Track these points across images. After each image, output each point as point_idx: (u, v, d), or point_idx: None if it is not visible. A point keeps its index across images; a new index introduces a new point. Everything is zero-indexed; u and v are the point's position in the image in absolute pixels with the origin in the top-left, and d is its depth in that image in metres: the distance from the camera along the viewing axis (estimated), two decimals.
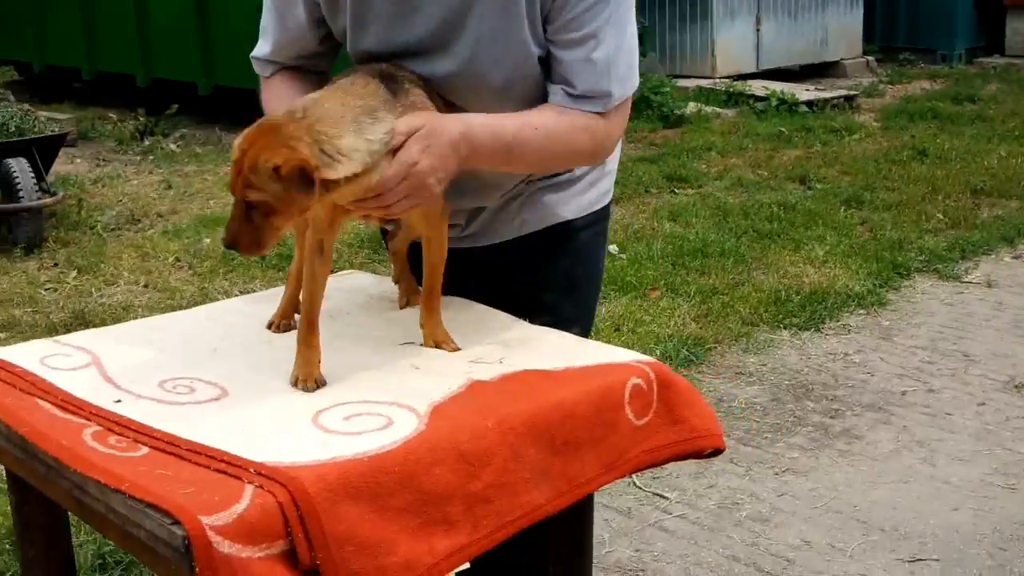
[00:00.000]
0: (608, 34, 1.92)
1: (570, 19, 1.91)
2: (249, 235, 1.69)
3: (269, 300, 2.24)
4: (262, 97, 2.13)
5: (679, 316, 4.79)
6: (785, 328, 4.76)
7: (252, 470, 1.55)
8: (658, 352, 4.37)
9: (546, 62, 1.96)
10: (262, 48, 2.13)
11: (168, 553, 1.46)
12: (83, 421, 1.74)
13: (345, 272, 2.51)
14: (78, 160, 8.27)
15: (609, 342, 4.25)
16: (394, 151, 1.76)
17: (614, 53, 1.94)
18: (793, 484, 3.48)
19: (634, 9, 2.01)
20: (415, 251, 2.11)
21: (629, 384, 1.90)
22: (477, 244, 2.19)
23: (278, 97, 2.07)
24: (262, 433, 1.69)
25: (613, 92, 1.96)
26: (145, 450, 1.65)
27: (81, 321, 4.69)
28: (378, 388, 1.84)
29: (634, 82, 2.01)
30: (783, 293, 5.07)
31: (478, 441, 1.70)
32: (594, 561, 3.01)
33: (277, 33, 2.10)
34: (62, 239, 6.10)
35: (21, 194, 5.81)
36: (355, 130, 1.73)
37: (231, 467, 1.57)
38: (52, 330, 4.42)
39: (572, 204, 2.17)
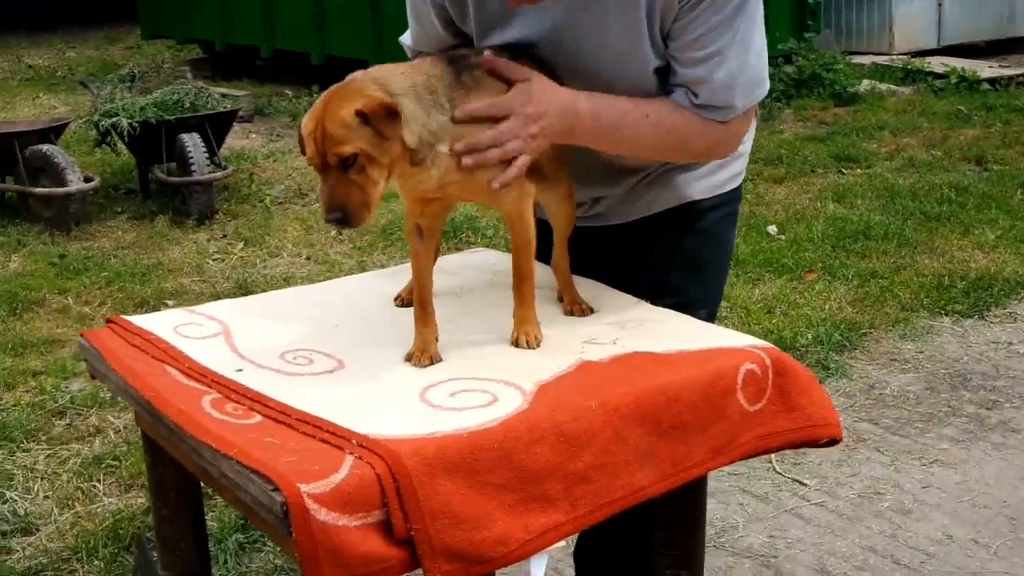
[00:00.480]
0: (733, 52, 1.88)
1: (692, 39, 1.87)
2: (354, 197, 1.68)
3: (396, 276, 2.28)
4: None
5: (835, 299, 4.67)
6: (946, 315, 4.59)
7: (354, 441, 1.59)
8: (810, 336, 4.28)
9: (665, 71, 1.94)
10: (407, 37, 2.19)
11: (270, 518, 1.52)
12: (204, 388, 1.82)
13: (473, 249, 2.54)
14: (253, 135, 8.57)
15: (760, 324, 4.22)
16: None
17: (738, 70, 1.90)
18: (940, 476, 3.36)
19: (761, 19, 1.96)
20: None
21: (742, 370, 1.88)
22: (605, 223, 2.19)
23: None
24: (370, 406, 1.73)
25: (736, 105, 1.93)
26: (258, 418, 1.72)
27: (244, 291, 4.87)
28: (490, 365, 1.86)
29: (761, 91, 1.97)
30: (947, 278, 4.88)
31: (580, 421, 1.70)
32: (725, 545, 3.00)
33: (415, 30, 2.17)
34: (232, 211, 6.33)
35: (193, 168, 6.06)
36: (415, 96, 1.75)
37: (335, 437, 1.61)
38: (215, 299, 4.61)
39: (701, 184, 2.15)
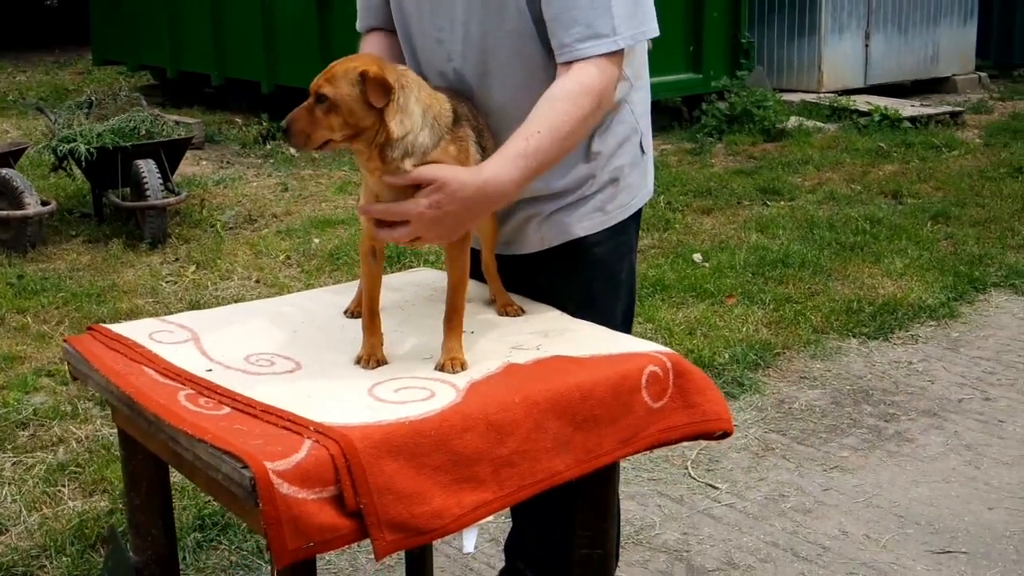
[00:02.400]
0: None
1: None
2: (304, 125, 1.96)
3: (345, 292, 2.58)
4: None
5: (752, 322, 5.01)
6: (854, 336, 4.95)
7: (312, 428, 1.87)
8: (727, 355, 4.61)
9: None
10: (359, 22, 2.54)
11: (240, 492, 1.79)
12: (179, 385, 2.09)
13: (415, 269, 2.85)
14: (204, 162, 8.80)
15: (682, 344, 4.56)
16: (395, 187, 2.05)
17: None
18: (839, 480, 3.70)
19: None
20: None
21: (647, 371, 2.18)
22: (509, 252, 2.48)
23: (370, 49, 2.45)
24: (325, 399, 2.01)
25: (617, 27, 2.16)
26: (227, 410, 1.99)
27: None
28: (428, 367, 2.15)
29: (647, 27, 2.24)
30: (856, 303, 5.25)
31: (505, 413, 2.00)
32: (643, 542, 3.31)
33: (359, 4, 2.49)
34: (184, 236, 6.58)
35: (148, 193, 6.31)
36: (424, 111, 2.05)
37: (295, 425, 1.89)
38: None
39: (587, 222, 2.41)
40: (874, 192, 7.51)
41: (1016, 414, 4.17)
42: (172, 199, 6.50)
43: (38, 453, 3.87)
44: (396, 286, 2.68)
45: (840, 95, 10.68)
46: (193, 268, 6.04)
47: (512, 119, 2.23)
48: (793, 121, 9.59)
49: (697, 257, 5.99)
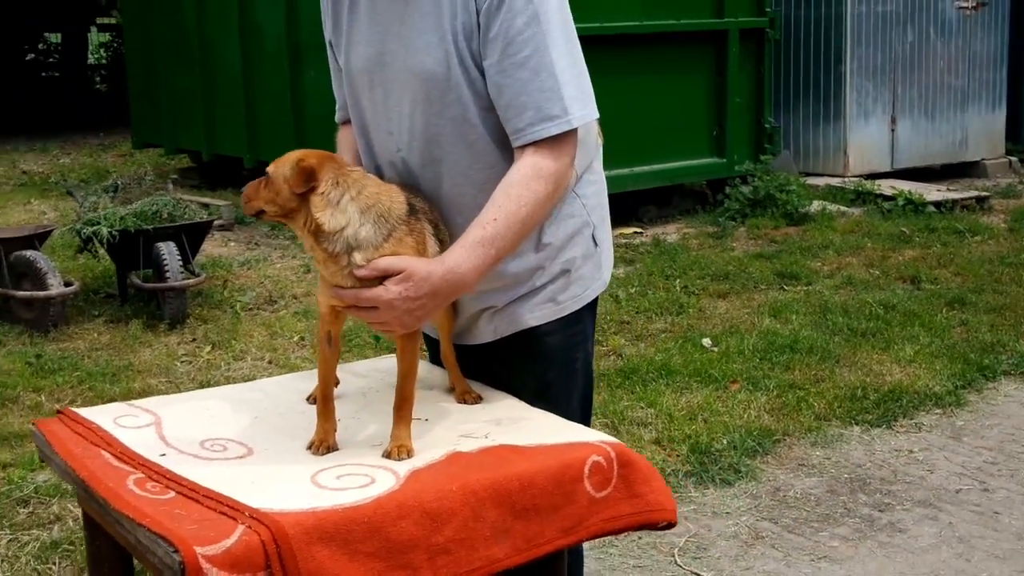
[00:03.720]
0: (548, 57, 2.22)
1: (504, 46, 2.22)
2: (250, 192, 2.19)
3: (312, 377, 2.63)
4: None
5: (754, 408, 5.01)
6: (857, 424, 4.93)
7: (247, 513, 1.93)
8: (725, 441, 4.61)
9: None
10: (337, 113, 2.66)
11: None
12: (131, 469, 2.15)
13: (381, 356, 2.91)
14: (232, 243, 8.96)
15: (680, 429, 4.57)
16: (366, 279, 2.14)
17: (560, 73, 2.23)
18: (827, 571, 3.67)
19: (566, 35, 2.29)
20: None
21: (589, 461, 2.22)
22: (463, 342, 2.53)
23: (342, 140, 2.62)
24: (267, 485, 2.06)
25: (569, 110, 2.24)
26: (172, 494, 2.05)
27: None
28: (376, 454, 2.20)
29: (589, 108, 2.32)
30: (861, 390, 5.23)
31: (442, 501, 2.04)
32: None
33: (337, 90, 2.60)
34: (203, 316, 6.69)
35: (168, 275, 6.44)
36: (362, 209, 2.14)
37: (232, 510, 1.95)
38: None
39: (539, 312, 2.46)
40: (892, 277, 7.50)
41: (1014, 506, 4.13)
42: (191, 280, 6.62)
43: (34, 531, 3.94)
44: (361, 372, 2.75)
45: (867, 179, 10.69)
46: (209, 348, 6.14)
47: (460, 206, 2.31)
48: (816, 205, 9.61)
49: (706, 342, 6.00)
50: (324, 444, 2.24)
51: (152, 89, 12.33)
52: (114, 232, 6.58)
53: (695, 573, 3.68)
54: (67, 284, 6.59)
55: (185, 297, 6.62)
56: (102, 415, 2.44)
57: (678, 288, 7.18)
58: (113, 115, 16.96)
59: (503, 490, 2.11)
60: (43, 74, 22.75)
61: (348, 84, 2.48)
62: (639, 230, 9.06)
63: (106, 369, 5.74)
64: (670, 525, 2.31)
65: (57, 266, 6.75)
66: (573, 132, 2.29)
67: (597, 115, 2.37)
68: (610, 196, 2.62)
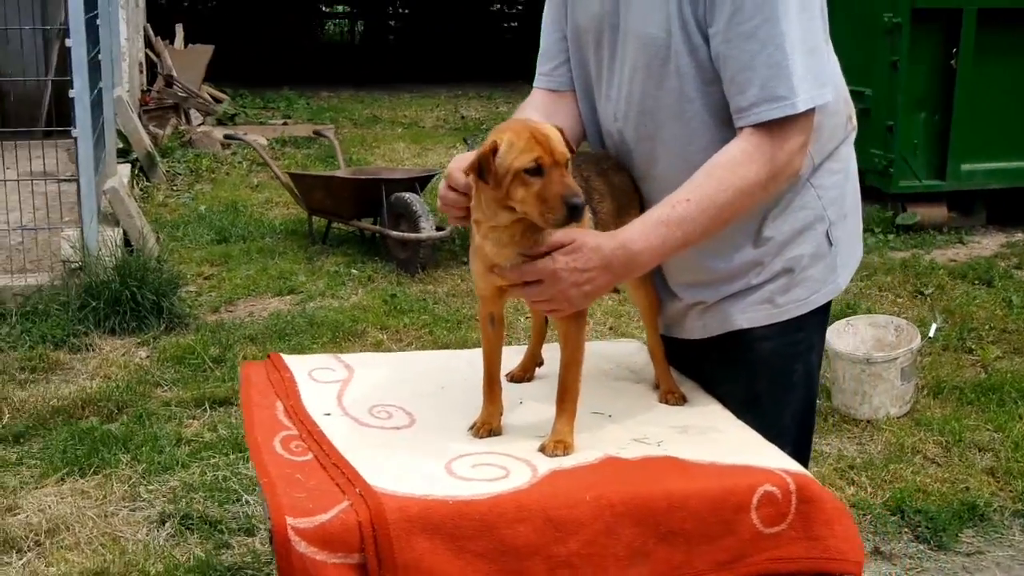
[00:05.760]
0: (777, 30, 1.96)
1: (730, 14, 1.99)
2: None
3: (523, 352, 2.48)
4: None
5: None
6: None
7: (358, 489, 1.83)
8: None
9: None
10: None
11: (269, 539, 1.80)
12: (288, 425, 2.13)
13: (620, 340, 2.71)
14: None
15: None
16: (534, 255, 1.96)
17: (791, 50, 1.97)
18: None
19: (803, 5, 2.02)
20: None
21: (760, 490, 1.93)
22: (673, 335, 2.29)
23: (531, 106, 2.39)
24: (400, 463, 1.95)
25: (796, 91, 1.98)
26: (309, 456, 2.00)
27: None
28: (531, 446, 2.03)
29: (823, 91, 2.03)
30: None
31: (570, 509, 1.85)
32: None
33: (542, 46, 2.43)
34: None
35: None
36: None
37: (347, 483, 1.86)
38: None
39: (749, 313, 2.19)
40: None
41: None
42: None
43: None
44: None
45: None
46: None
47: (673, 187, 2.06)
48: None
49: None
50: (487, 426, 2.11)
51: None
52: None
53: None
54: (439, 228, 6.83)
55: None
56: (301, 365, 2.43)
57: None
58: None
59: (646, 508, 1.89)
60: (504, 24, 23.87)
61: (573, 40, 2.30)
62: None
63: (452, 316, 5.88)
64: None
65: (431, 210, 7.00)
66: (801, 116, 2.00)
67: (829, 99, 2.05)
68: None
